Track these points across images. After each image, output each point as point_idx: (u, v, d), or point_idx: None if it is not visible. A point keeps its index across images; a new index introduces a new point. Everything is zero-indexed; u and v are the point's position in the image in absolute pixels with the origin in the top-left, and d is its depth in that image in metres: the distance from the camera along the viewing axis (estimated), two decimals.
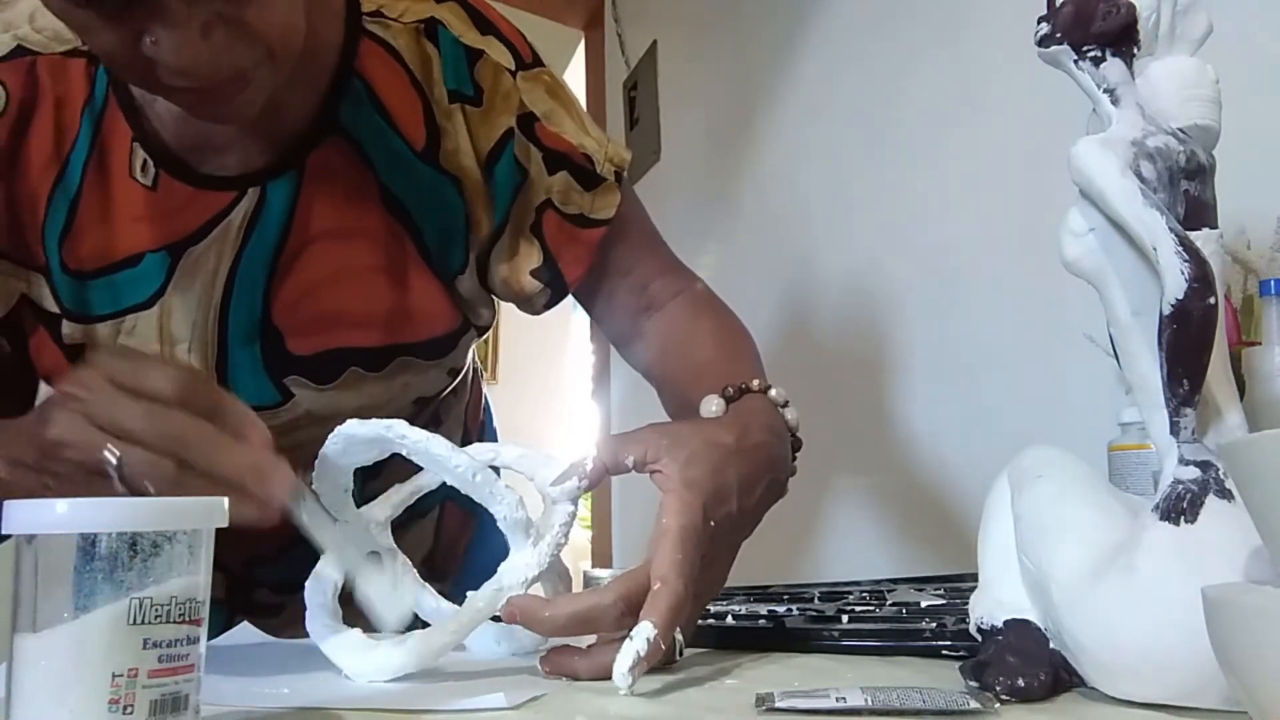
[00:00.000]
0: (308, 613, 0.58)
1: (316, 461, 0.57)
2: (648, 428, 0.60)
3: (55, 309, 0.72)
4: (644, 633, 0.50)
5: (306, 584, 0.59)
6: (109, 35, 0.57)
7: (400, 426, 0.53)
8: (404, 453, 0.54)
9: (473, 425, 1.01)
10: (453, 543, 0.96)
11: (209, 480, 0.50)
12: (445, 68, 0.75)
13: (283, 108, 0.71)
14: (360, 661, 0.55)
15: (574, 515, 0.57)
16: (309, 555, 0.88)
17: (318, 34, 0.72)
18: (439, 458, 0.53)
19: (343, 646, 0.56)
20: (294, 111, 0.72)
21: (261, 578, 0.89)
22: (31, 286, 0.72)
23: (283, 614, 0.90)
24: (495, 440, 1.03)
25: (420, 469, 0.61)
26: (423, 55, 0.75)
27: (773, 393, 0.66)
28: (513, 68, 0.77)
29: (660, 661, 0.54)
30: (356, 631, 0.57)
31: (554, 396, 3.85)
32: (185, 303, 0.73)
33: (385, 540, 0.63)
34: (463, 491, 0.55)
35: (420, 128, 0.75)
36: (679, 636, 0.56)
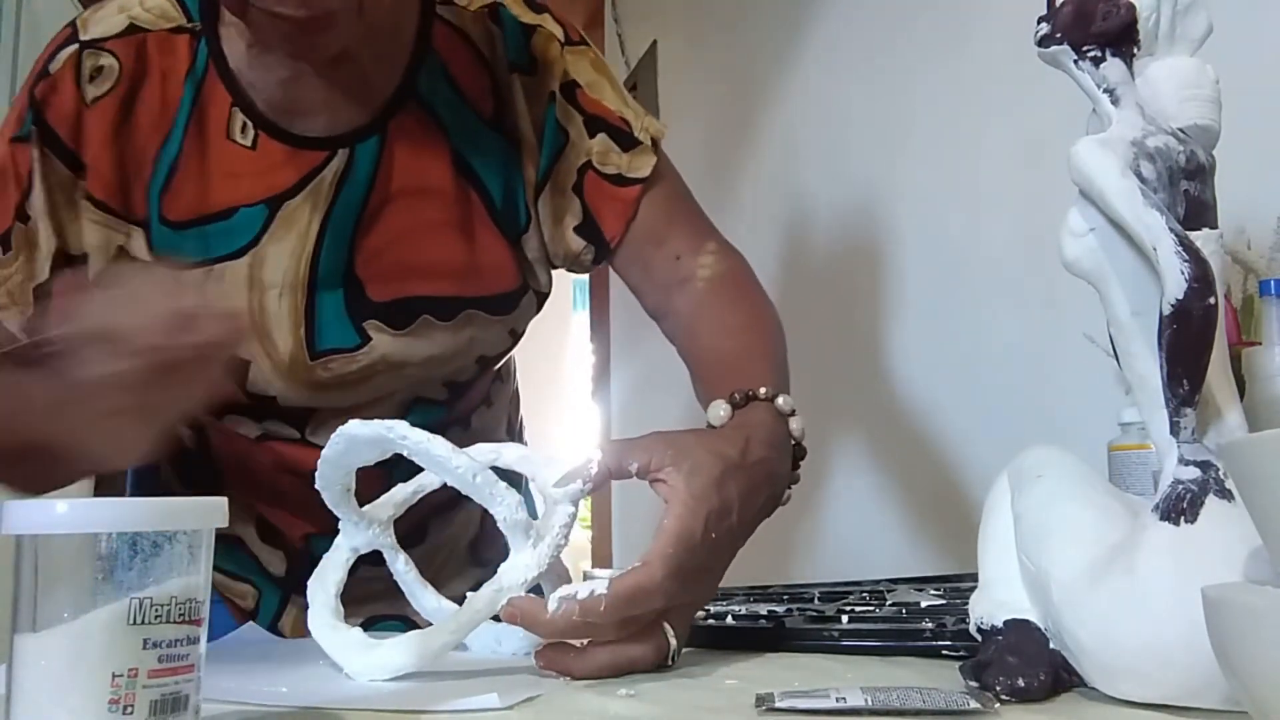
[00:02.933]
0: (309, 611, 0.58)
1: (319, 462, 0.57)
2: (653, 436, 0.61)
3: (148, 259, 0.78)
4: (593, 586, 0.51)
5: (309, 582, 0.60)
6: None
7: (401, 427, 0.53)
8: (405, 453, 0.54)
9: (514, 418, 1.05)
10: (496, 530, 0.97)
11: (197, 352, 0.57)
12: (508, 42, 0.84)
13: (368, 78, 0.79)
14: (361, 660, 0.55)
15: (574, 517, 0.57)
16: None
17: (398, 15, 0.81)
18: (439, 459, 0.53)
19: (344, 645, 0.56)
20: (378, 82, 0.80)
21: (319, 553, 0.90)
22: (130, 240, 0.78)
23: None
24: (524, 439, 1.04)
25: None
26: (489, 34, 0.84)
27: (779, 401, 0.68)
28: (562, 40, 0.86)
29: (653, 665, 0.55)
30: (358, 630, 0.57)
31: (554, 396, 3.85)
32: (279, 252, 0.79)
33: (388, 540, 0.63)
34: (463, 493, 0.55)
35: (489, 98, 0.83)
36: (673, 641, 0.56)
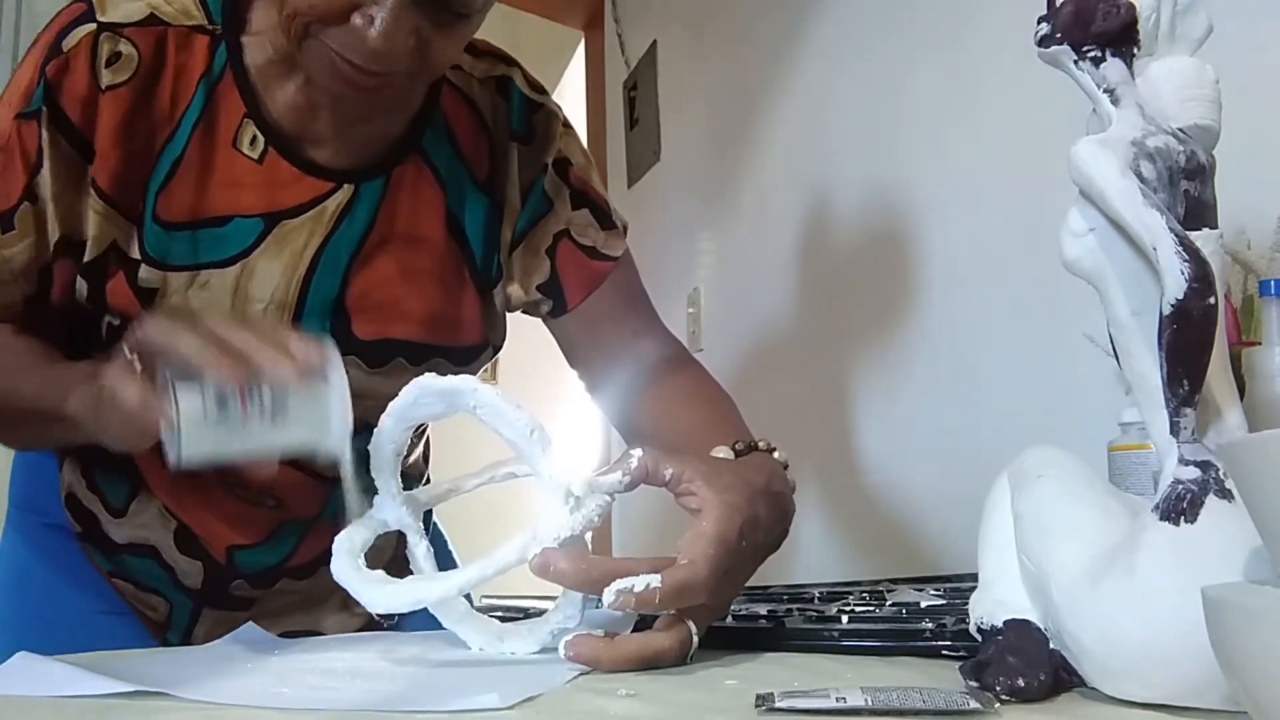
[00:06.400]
0: (332, 559, 0.59)
1: (383, 417, 0.60)
2: (687, 455, 0.64)
3: (138, 256, 0.78)
4: (648, 580, 0.53)
5: (337, 536, 0.61)
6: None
7: (472, 381, 0.56)
8: (471, 405, 0.56)
9: (428, 444, 1.06)
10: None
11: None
12: (514, 114, 0.89)
13: (377, 124, 0.83)
14: (381, 594, 0.56)
15: (609, 505, 0.59)
16: (288, 541, 0.90)
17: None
18: (503, 411, 0.56)
19: (365, 581, 0.57)
20: (385, 130, 0.83)
21: (242, 565, 0.90)
22: (124, 235, 0.78)
23: (252, 608, 0.91)
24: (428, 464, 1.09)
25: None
26: (493, 104, 0.89)
27: (777, 454, 0.71)
28: (562, 121, 0.92)
29: (677, 657, 0.56)
30: (380, 572, 0.58)
31: (554, 396, 3.84)
32: (270, 268, 0.80)
33: (415, 524, 0.64)
34: (516, 445, 0.58)
35: (485, 162, 0.88)
36: (695, 637, 0.57)
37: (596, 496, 0.58)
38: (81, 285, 0.78)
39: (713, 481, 0.60)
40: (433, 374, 0.57)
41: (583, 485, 0.58)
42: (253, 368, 0.59)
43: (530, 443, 0.57)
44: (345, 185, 0.81)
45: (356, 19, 0.68)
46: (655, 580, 0.54)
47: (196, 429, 0.60)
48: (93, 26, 0.75)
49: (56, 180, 0.75)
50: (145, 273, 0.78)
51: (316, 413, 0.61)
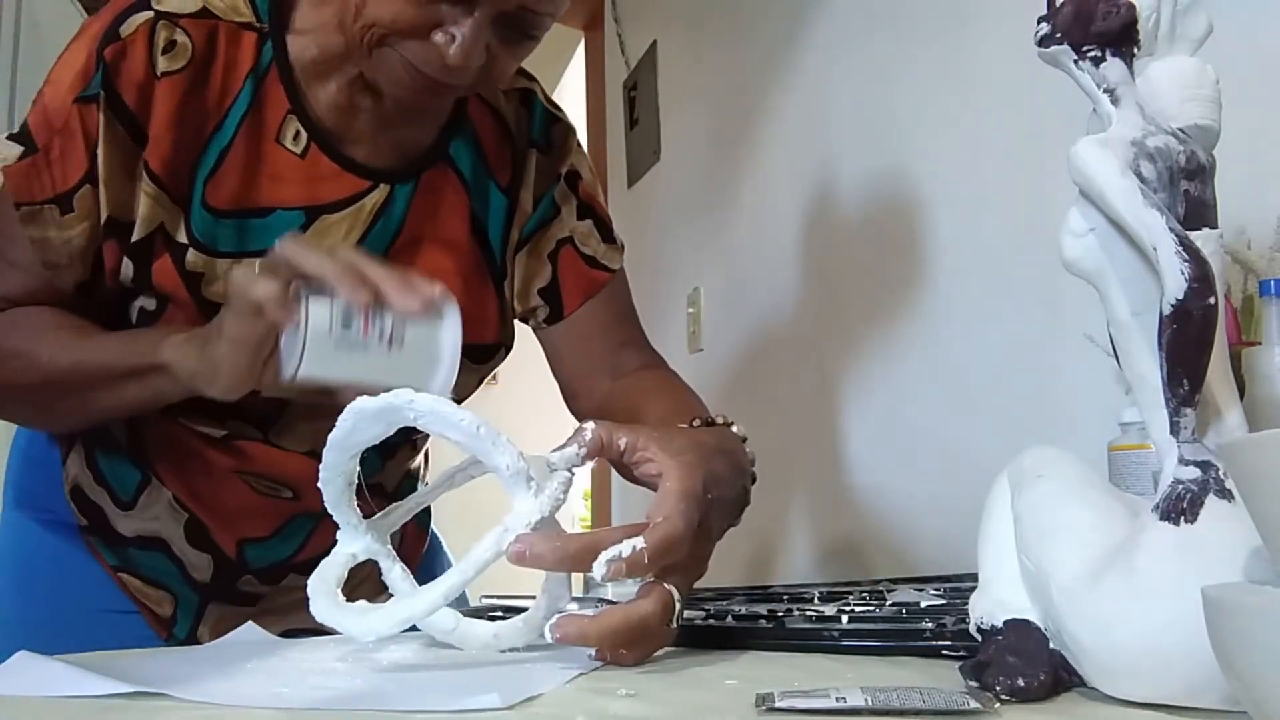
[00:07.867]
0: (311, 604, 0.58)
1: (324, 451, 0.58)
2: (638, 425, 0.64)
3: (184, 240, 0.80)
4: (633, 543, 0.54)
5: (310, 579, 0.60)
6: (414, 10, 0.71)
7: (406, 393, 0.54)
8: (411, 417, 0.55)
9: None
10: (408, 559, 0.99)
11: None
12: (535, 124, 0.94)
13: (410, 129, 0.87)
14: (368, 621, 0.55)
15: (570, 481, 0.59)
16: (299, 534, 0.90)
17: None
18: (446, 416, 0.55)
19: (350, 614, 0.56)
20: (419, 137, 0.88)
21: (251, 560, 0.91)
22: (171, 218, 0.80)
23: (257, 605, 0.92)
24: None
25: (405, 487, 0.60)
26: (518, 114, 0.94)
27: (735, 428, 0.73)
28: (576, 137, 0.97)
29: (663, 621, 0.56)
30: (361, 603, 0.58)
31: (554, 397, 3.85)
32: None
33: (385, 549, 0.64)
34: (467, 446, 0.57)
35: (507, 169, 0.92)
36: (678, 600, 0.57)
37: (557, 475, 0.58)
38: (127, 266, 0.80)
39: (667, 446, 0.61)
40: (364, 397, 0.55)
41: (540, 467, 0.58)
42: (380, 296, 0.64)
43: (479, 440, 0.55)
44: (381, 185, 0.85)
45: (438, 36, 0.72)
46: (639, 542, 0.54)
47: (320, 341, 0.64)
48: (150, 14, 0.77)
49: (109, 163, 0.77)
50: (192, 256, 0.80)
51: (428, 352, 0.67)
